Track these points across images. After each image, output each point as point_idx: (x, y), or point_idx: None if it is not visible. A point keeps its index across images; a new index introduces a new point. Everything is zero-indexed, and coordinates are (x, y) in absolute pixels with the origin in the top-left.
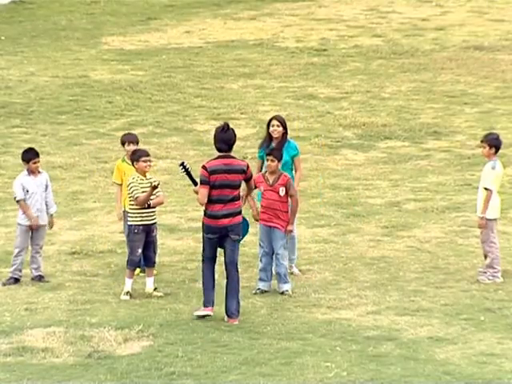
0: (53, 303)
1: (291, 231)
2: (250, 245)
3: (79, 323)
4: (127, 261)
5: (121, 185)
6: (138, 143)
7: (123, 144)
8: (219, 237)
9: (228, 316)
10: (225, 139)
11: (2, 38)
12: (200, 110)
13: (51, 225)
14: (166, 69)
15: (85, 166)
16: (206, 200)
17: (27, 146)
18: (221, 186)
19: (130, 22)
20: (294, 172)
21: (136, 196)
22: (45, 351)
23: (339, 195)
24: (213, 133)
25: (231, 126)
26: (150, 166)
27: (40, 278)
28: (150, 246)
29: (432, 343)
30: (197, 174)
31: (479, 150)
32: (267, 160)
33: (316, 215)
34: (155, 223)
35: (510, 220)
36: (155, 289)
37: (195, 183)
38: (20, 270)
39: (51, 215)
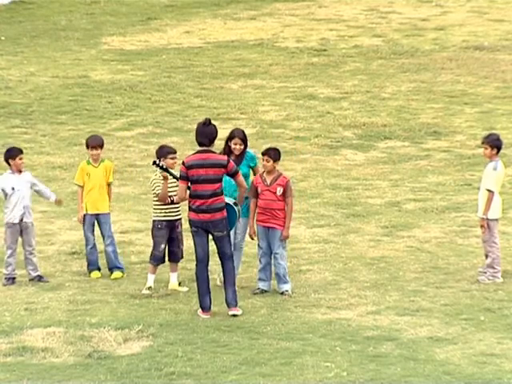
0: (53, 303)
1: (287, 237)
2: (250, 245)
3: (79, 323)
4: (150, 256)
5: (82, 186)
6: (102, 147)
7: (89, 147)
8: (204, 229)
9: (228, 307)
10: (205, 133)
11: (2, 38)
12: (200, 110)
13: (60, 203)
14: (165, 69)
15: None
16: (184, 195)
17: (27, 146)
18: (199, 180)
19: (130, 22)
20: None
21: (157, 192)
22: (45, 351)
23: (339, 195)
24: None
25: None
26: (176, 162)
27: (40, 279)
28: (174, 241)
29: (432, 343)
30: None
31: (479, 150)
32: (262, 160)
33: (316, 215)
34: (179, 219)
35: (509, 220)
36: (180, 283)
37: (176, 178)
38: (14, 270)
39: (56, 199)
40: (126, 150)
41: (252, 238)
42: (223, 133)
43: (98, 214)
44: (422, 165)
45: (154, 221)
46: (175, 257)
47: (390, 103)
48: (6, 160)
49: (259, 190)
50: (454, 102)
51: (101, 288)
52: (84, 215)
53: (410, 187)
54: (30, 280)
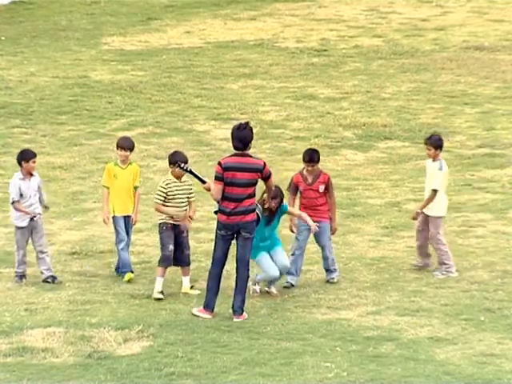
0: (53, 303)
1: (336, 229)
2: None
3: (79, 323)
4: (159, 259)
5: (109, 188)
6: (131, 150)
7: (119, 148)
8: (232, 234)
9: (233, 313)
10: (240, 137)
11: (2, 38)
12: (200, 111)
13: (46, 209)
14: (166, 69)
15: (85, 167)
16: (219, 196)
17: (27, 146)
18: (234, 183)
19: (130, 23)
20: None
21: (155, 201)
22: (45, 351)
23: (339, 195)
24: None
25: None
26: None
27: (53, 279)
28: (180, 246)
29: (432, 343)
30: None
31: (479, 151)
32: (307, 166)
33: None
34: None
35: (510, 220)
36: (192, 287)
37: (202, 181)
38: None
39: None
40: None
41: (292, 231)
42: (224, 133)
43: (125, 216)
44: (422, 165)
45: (159, 224)
46: (184, 260)
47: (390, 103)
48: (19, 162)
49: (300, 188)
50: (454, 102)
51: (101, 288)
52: (113, 217)
53: (410, 187)
54: (43, 281)
